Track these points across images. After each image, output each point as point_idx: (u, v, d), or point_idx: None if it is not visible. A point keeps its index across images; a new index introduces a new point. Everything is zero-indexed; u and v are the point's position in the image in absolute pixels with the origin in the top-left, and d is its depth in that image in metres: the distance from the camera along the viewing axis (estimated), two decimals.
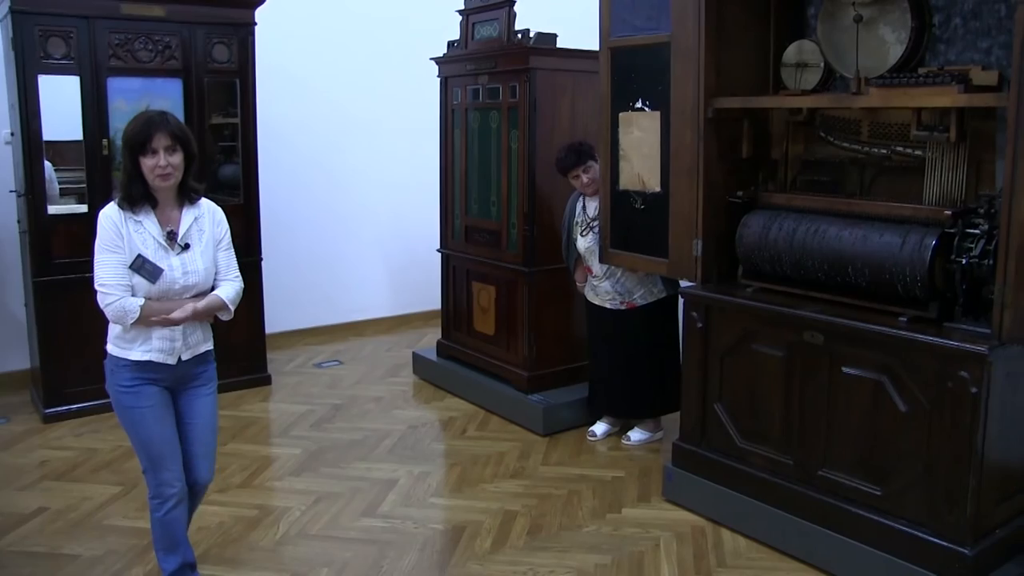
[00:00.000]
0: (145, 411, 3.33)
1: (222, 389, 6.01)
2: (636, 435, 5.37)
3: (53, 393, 5.69)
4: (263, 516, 4.43)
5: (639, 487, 4.77)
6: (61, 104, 5.51)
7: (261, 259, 6.35)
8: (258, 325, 6.44)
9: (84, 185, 5.64)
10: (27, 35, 5.33)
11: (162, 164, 3.18)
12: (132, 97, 5.68)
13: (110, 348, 3.36)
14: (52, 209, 5.57)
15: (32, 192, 5.46)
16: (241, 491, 4.72)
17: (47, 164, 5.66)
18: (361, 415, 5.92)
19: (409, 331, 8.17)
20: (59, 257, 5.57)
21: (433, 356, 6.64)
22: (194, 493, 3.57)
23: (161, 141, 3.18)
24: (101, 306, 3.24)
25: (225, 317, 3.46)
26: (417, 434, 5.57)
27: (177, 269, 3.30)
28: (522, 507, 4.54)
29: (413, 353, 6.91)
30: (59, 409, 5.69)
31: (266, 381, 6.52)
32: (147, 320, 3.24)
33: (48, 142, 5.55)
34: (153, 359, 3.30)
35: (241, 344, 6.31)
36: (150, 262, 3.24)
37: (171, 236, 3.31)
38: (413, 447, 5.35)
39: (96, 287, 3.23)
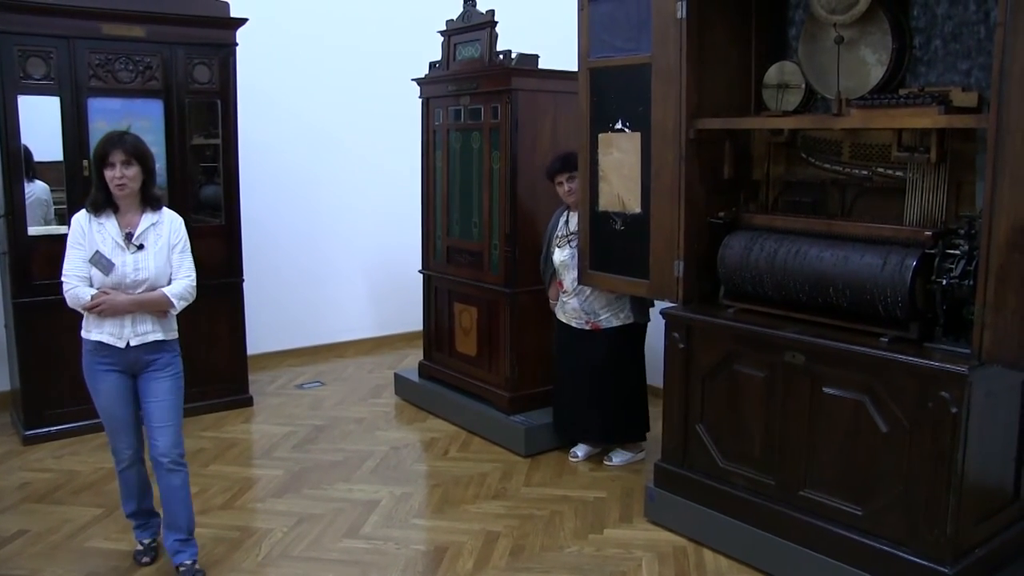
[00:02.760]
0: (101, 392, 3.88)
1: (204, 410, 6.12)
2: (618, 456, 5.37)
3: (33, 414, 5.64)
4: (245, 538, 4.41)
5: (621, 508, 4.77)
6: (41, 125, 5.49)
7: (243, 280, 6.33)
8: (240, 346, 6.41)
9: (65, 206, 5.60)
10: (6, 55, 5.31)
11: (118, 175, 3.71)
12: (113, 118, 5.64)
13: (82, 330, 3.89)
14: (32, 230, 5.54)
15: (12, 213, 5.42)
16: (223, 512, 4.69)
17: (44, 186, 5.67)
18: (343, 436, 5.90)
19: (391, 352, 8.16)
20: (39, 278, 5.52)
21: (415, 377, 6.62)
22: (163, 467, 3.91)
23: (118, 156, 3.71)
24: (64, 292, 3.79)
25: (172, 312, 3.93)
26: (399, 455, 5.55)
27: (129, 265, 3.79)
28: (504, 528, 4.53)
29: (395, 374, 6.89)
30: (39, 431, 5.64)
31: (248, 402, 6.48)
32: (96, 310, 3.75)
33: (37, 163, 5.57)
34: (104, 340, 3.81)
35: (223, 365, 6.31)
36: (105, 257, 3.76)
37: (128, 237, 3.81)
38: (395, 468, 5.34)
39: (61, 277, 3.78)
